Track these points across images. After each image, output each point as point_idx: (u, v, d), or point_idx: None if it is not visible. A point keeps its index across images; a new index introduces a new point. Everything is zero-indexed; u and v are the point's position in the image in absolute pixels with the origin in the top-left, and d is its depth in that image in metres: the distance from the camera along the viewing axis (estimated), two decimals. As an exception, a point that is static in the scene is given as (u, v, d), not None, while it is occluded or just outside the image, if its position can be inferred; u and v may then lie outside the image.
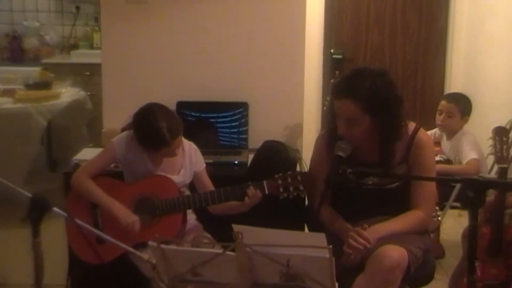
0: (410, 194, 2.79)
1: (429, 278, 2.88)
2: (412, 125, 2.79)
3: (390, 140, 2.71)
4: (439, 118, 4.28)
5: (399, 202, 2.79)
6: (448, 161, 4.24)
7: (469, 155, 4.10)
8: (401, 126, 2.71)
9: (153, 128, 2.78)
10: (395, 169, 2.77)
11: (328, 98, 2.86)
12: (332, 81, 2.96)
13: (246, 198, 2.79)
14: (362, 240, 2.59)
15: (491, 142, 3.23)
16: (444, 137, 4.35)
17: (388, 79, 2.68)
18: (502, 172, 3.12)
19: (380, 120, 2.65)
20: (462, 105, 4.25)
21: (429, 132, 4.34)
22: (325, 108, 2.94)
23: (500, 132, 3.21)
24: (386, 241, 2.60)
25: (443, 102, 4.30)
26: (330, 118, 2.83)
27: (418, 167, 2.76)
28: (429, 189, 2.82)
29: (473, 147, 4.12)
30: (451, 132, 4.27)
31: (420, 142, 2.77)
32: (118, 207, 2.84)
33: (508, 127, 3.43)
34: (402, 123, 2.72)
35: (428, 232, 2.92)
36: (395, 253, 2.53)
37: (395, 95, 2.68)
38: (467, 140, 4.17)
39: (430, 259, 2.85)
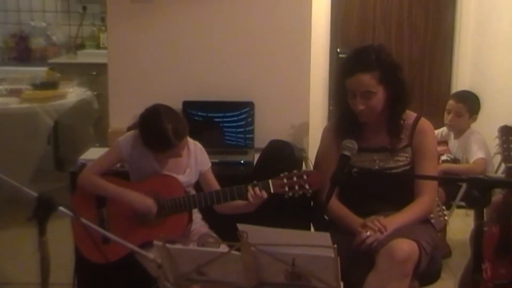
0: (413, 182, 2.88)
1: (436, 276, 2.88)
2: (413, 115, 2.93)
3: (399, 110, 2.85)
4: (447, 118, 4.27)
5: (404, 189, 2.87)
6: (455, 161, 4.23)
7: (477, 154, 4.09)
8: (407, 92, 2.86)
9: (158, 130, 2.79)
10: (400, 152, 2.87)
11: (331, 103, 2.92)
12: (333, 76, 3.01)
13: (250, 198, 2.79)
14: (378, 224, 2.67)
15: (497, 141, 3.22)
16: (452, 136, 4.34)
17: (387, 51, 2.87)
18: (510, 171, 3.11)
19: (393, 88, 2.80)
20: (471, 104, 4.24)
21: (436, 131, 4.34)
22: (330, 107, 2.99)
23: (506, 131, 3.19)
24: (396, 235, 2.63)
25: (451, 102, 4.28)
26: (339, 103, 2.92)
27: (421, 153, 2.88)
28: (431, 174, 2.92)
29: (481, 146, 4.11)
30: (460, 131, 4.25)
31: (422, 128, 2.90)
32: (130, 193, 2.86)
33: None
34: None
35: (432, 225, 2.94)
36: (406, 246, 2.57)
37: (397, 63, 2.87)
38: (475, 139, 4.16)
39: (436, 256, 2.88)
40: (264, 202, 2.81)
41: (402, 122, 2.88)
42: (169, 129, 2.77)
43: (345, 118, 2.90)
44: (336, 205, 2.87)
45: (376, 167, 2.87)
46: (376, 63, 2.77)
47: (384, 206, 2.83)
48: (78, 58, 6.18)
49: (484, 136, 4.16)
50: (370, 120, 2.84)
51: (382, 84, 2.77)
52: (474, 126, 4.27)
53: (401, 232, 2.66)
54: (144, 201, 2.84)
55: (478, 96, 4.32)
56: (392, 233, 2.66)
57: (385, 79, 2.77)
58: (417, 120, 2.91)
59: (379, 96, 2.78)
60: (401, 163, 2.88)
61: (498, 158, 3.77)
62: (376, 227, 2.66)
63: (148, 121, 2.87)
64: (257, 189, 2.79)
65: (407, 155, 2.88)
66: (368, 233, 2.66)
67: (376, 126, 2.88)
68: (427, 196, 2.86)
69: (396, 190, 2.86)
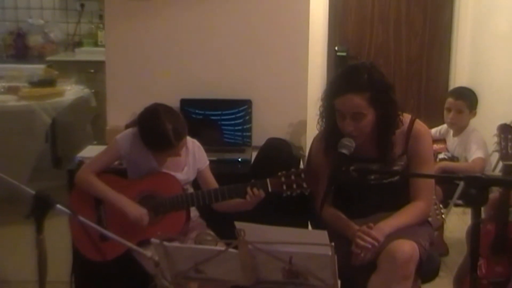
0: (409, 186, 2.81)
1: (434, 274, 2.88)
2: (407, 117, 2.82)
3: (390, 131, 2.74)
4: (448, 116, 4.26)
5: (401, 195, 2.81)
6: (452, 159, 4.23)
7: (476, 153, 4.08)
8: (398, 114, 2.75)
9: (158, 130, 2.78)
10: (396, 161, 2.80)
11: (321, 103, 2.84)
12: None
13: (248, 196, 2.79)
14: (370, 239, 2.60)
15: (496, 139, 3.22)
16: (451, 133, 4.33)
17: (379, 70, 2.75)
18: (507, 169, 3.11)
19: (383, 110, 2.69)
20: (469, 99, 4.24)
21: (435, 129, 4.34)
22: (317, 125, 2.91)
23: (505, 129, 3.20)
24: (395, 237, 2.61)
25: (450, 100, 4.27)
26: (327, 121, 2.83)
27: (417, 158, 2.80)
28: (428, 180, 2.86)
29: (480, 146, 4.10)
30: (460, 128, 4.25)
31: (417, 133, 2.80)
32: (125, 201, 2.85)
33: (513, 124, 3.42)
34: (399, 112, 2.76)
35: (429, 222, 2.93)
36: (406, 247, 2.55)
37: (389, 83, 2.74)
38: (475, 138, 4.15)
39: (435, 254, 2.88)
40: (262, 201, 2.81)
41: (393, 138, 2.77)
42: (169, 129, 2.77)
43: (333, 136, 2.76)
44: (329, 210, 2.83)
45: (372, 177, 2.81)
46: (367, 84, 2.65)
47: (380, 205, 2.80)
48: (76, 55, 6.18)
49: (482, 134, 4.16)
50: (358, 142, 2.67)
51: (373, 105, 2.65)
52: (473, 124, 4.27)
53: (400, 232, 2.64)
54: (136, 211, 2.82)
55: (477, 93, 4.31)
56: (391, 234, 2.64)
57: (376, 100, 2.65)
58: (411, 124, 2.81)
59: (369, 118, 2.67)
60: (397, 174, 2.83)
61: (495, 156, 3.78)
62: (369, 244, 2.59)
63: (147, 121, 2.86)
64: (255, 189, 2.78)
65: (402, 163, 2.81)
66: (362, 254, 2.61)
67: (367, 140, 2.76)
68: (424, 202, 2.79)
69: (392, 192, 2.81)
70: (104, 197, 2.89)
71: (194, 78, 3.73)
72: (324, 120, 2.85)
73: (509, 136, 3.18)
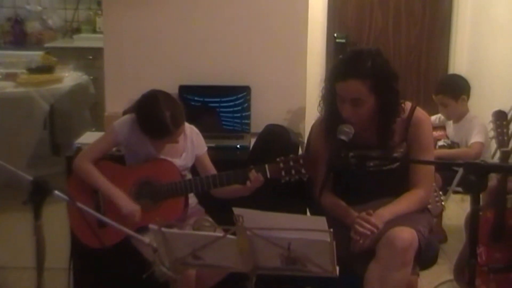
0: (409, 173, 2.81)
1: (432, 261, 2.88)
2: (408, 105, 2.81)
3: (390, 119, 2.73)
4: (440, 110, 4.28)
5: (400, 182, 2.81)
6: (452, 145, 4.21)
7: (474, 138, 4.08)
8: (400, 103, 2.74)
9: (156, 117, 2.77)
10: (396, 149, 2.79)
11: (323, 85, 2.82)
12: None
13: (248, 182, 2.79)
14: (369, 226, 2.60)
15: (491, 125, 3.22)
16: (451, 120, 4.32)
17: (385, 57, 2.73)
18: (505, 156, 3.11)
19: (384, 98, 2.67)
20: (450, 90, 4.18)
21: (434, 116, 4.34)
22: (318, 107, 2.90)
23: (500, 116, 3.20)
24: (394, 224, 2.61)
25: (433, 96, 4.27)
26: (328, 104, 2.82)
27: (416, 146, 2.79)
28: (428, 167, 2.85)
29: (480, 131, 4.09)
30: (458, 116, 4.23)
31: (418, 121, 2.79)
32: (118, 195, 2.84)
33: (510, 113, 3.41)
34: (400, 101, 2.75)
35: (429, 210, 2.92)
36: (406, 234, 2.55)
37: (393, 72, 2.72)
38: (477, 123, 4.14)
39: (433, 241, 2.87)
40: (261, 187, 2.80)
41: (393, 126, 2.75)
42: (167, 116, 2.76)
43: (333, 119, 2.76)
44: (328, 196, 2.83)
45: (371, 163, 2.80)
46: (370, 71, 2.62)
47: (379, 191, 2.80)
48: (74, 42, 6.17)
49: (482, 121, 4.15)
50: (357, 128, 2.67)
51: (374, 93, 2.64)
52: (473, 110, 4.25)
53: (400, 219, 2.64)
54: (129, 206, 2.82)
55: (475, 81, 4.29)
56: (391, 221, 2.64)
57: (377, 88, 2.63)
58: (412, 111, 2.79)
59: (369, 104, 2.66)
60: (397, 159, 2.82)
61: (494, 143, 3.78)
62: (368, 231, 2.60)
63: (146, 108, 2.85)
64: (254, 171, 2.78)
65: (402, 149, 2.80)
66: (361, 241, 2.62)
67: (367, 127, 2.76)
68: (423, 189, 2.78)
69: (391, 180, 2.81)
70: (99, 188, 2.88)
71: (192, 64, 3.72)
72: (325, 103, 2.84)
73: (504, 123, 3.19)
